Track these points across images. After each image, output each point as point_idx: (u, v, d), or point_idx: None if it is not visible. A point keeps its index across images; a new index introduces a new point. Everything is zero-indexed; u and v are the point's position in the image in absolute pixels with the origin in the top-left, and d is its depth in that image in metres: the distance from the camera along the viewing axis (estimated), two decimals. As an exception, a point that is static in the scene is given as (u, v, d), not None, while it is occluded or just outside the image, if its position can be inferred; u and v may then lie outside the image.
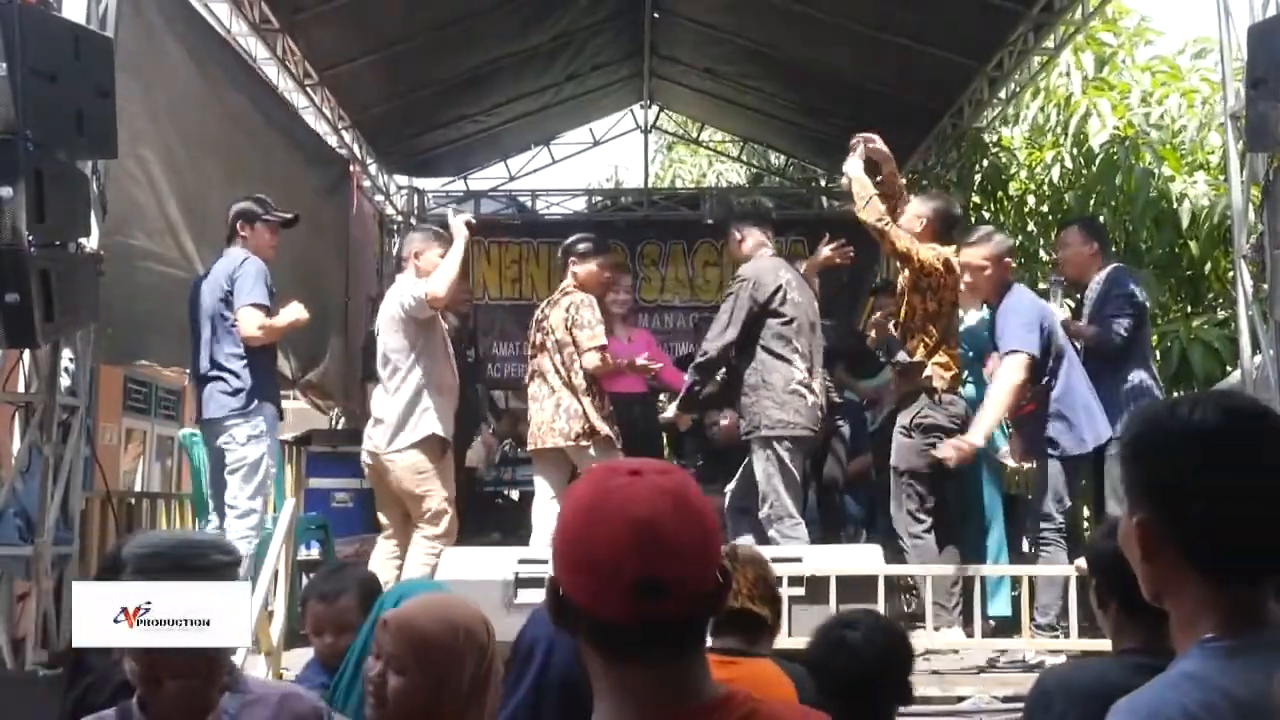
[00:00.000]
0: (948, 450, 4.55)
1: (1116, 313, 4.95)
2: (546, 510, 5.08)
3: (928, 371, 4.80)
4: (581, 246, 5.29)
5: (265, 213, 4.90)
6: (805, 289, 5.19)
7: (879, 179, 4.99)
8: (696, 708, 1.13)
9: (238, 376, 4.71)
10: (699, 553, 1.12)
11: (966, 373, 5.29)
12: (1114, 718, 1.14)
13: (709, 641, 1.24)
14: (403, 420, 4.76)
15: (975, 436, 4.57)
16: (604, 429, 5.02)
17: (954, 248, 4.90)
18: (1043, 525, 4.63)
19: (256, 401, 4.70)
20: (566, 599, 1.13)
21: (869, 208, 4.76)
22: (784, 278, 5.09)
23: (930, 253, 4.78)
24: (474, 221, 5.14)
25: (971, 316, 5.41)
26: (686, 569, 1.10)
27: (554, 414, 5.05)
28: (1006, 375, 4.58)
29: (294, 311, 4.84)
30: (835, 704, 2.06)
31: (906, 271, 4.90)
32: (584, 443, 5.00)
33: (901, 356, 4.91)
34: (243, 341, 4.70)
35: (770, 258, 5.25)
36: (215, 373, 4.71)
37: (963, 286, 4.86)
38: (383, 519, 4.98)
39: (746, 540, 4.91)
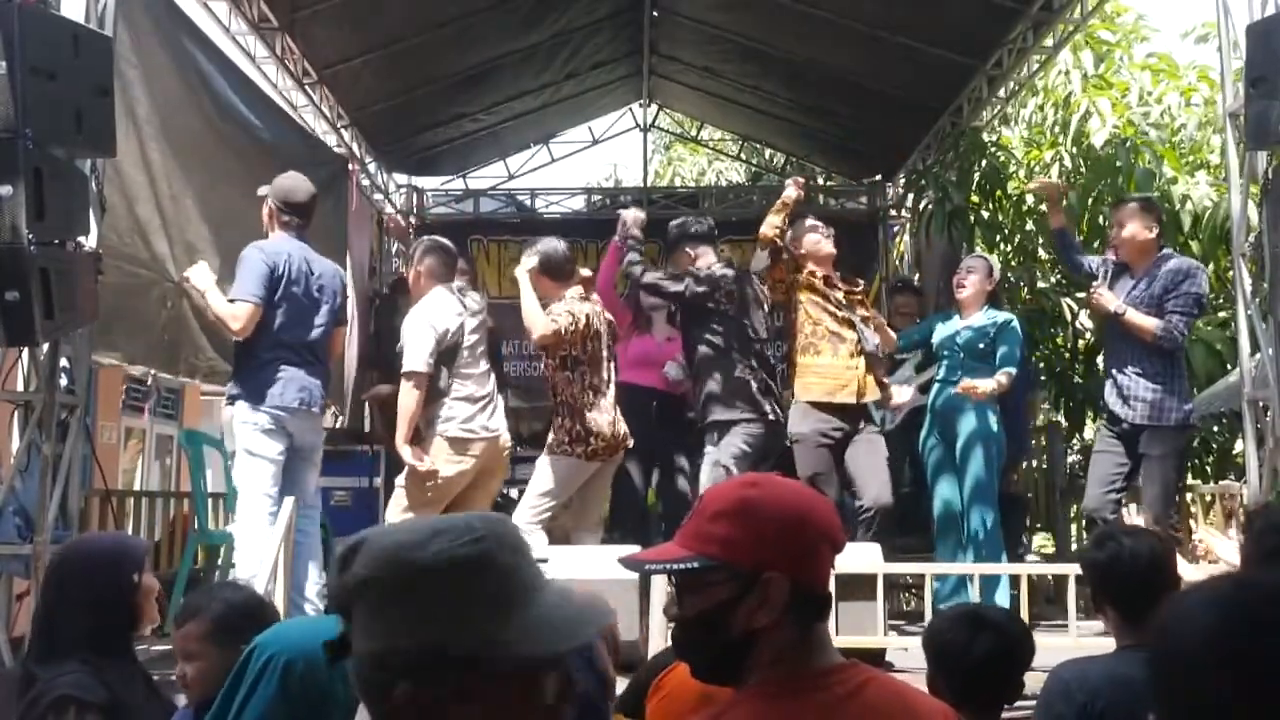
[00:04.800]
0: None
1: (1185, 310, 4.74)
2: None
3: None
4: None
5: None
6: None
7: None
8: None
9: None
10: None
11: (960, 372, 5.31)
12: None
13: None
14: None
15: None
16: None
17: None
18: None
19: None
20: (807, 592, 1.37)
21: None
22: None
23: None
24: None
25: (975, 319, 5.41)
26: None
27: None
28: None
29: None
30: (954, 696, 2.08)
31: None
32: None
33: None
34: (325, 354, 4.57)
35: None
36: (320, 365, 4.51)
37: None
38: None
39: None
